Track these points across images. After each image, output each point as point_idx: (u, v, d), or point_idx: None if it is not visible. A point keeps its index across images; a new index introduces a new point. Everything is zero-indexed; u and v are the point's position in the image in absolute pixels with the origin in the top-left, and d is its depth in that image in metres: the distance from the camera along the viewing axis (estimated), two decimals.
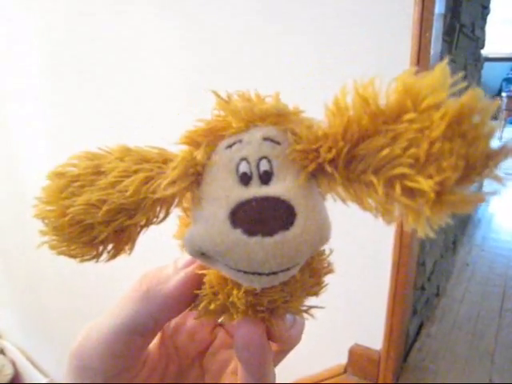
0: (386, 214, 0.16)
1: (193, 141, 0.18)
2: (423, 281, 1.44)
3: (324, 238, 0.17)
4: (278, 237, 0.15)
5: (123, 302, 0.20)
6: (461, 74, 0.15)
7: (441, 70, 0.15)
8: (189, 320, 0.24)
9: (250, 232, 0.15)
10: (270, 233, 0.15)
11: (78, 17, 1.46)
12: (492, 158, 0.15)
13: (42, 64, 1.64)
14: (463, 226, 2.32)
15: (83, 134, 1.57)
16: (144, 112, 1.40)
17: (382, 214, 0.16)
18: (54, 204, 0.18)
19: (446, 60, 0.15)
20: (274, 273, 0.16)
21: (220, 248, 0.16)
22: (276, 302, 0.19)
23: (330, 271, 0.20)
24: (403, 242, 1.16)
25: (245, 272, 0.16)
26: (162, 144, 0.19)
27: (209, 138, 0.18)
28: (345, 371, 1.33)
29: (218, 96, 0.18)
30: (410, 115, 0.15)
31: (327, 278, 0.21)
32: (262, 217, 0.15)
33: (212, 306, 0.19)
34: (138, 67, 1.39)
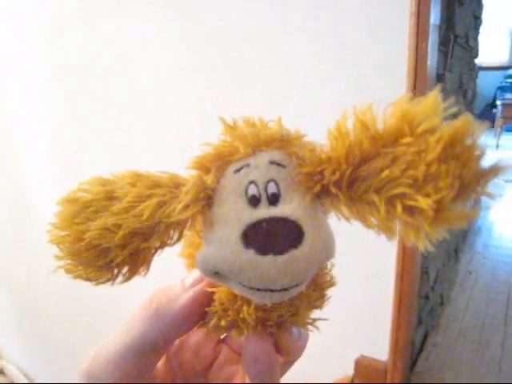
0: (388, 231, 0.17)
1: (202, 166, 0.19)
2: (427, 290, 1.44)
3: (330, 254, 0.18)
4: (289, 255, 0.16)
5: (133, 321, 0.20)
6: (452, 100, 0.16)
7: (434, 97, 0.16)
8: (192, 337, 0.24)
9: (263, 251, 0.16)
10: (281, 251, 0.16)
11: (77, 16, 1.47)
12: (484, 177, 0.16)
13: (42, 64, 1.65)
14: (464, 234, 2.33)
15: (83, 134, 1.58)
16: (144, 111, 1.41)
17: (383, 231, 0.17)
18: (69, 229, 0.18)
19: (439, 87, 0.16)
20: (285, 289, 0.17)
21: (234, 267, 0.17)
22: (284, 316, 0.19)
23: (333, 284, 0.21)
24: (406, 251, 1.16)
25: (258, 289, 0.17)
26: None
27: (217, 163, 0.18)
28: (351, 381, 1.32)
29: (225, 122, 0.19)
30: (408, 139, 0.16)
31: (331, 291, 0.21)
32: (273, 237, 0.16)
33: (222, 323, 0.20)
34: (138, 67, 1.40)
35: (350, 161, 0.17)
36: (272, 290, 0.17)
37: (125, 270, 0.19)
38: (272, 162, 0.18)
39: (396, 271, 1.18)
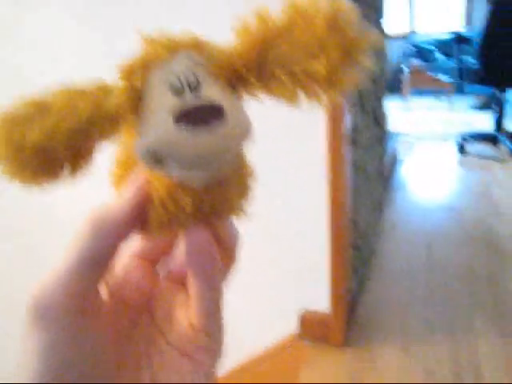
0: (293, 99, 0.21)
1: (129, 70, 0.20)
2: (358, 241, 1.52)
3: (247, 131, 0.21)
4: (215, 128, 0.19)
5: (76, 240, 0.20)
6: None
7: None
8: (132, 275, 0.25)
9: (192, 126, 0.19)
10: (208, 125, 0.19)
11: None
12: (361, 43, 0.20)
13: None
14: (384, 190, 2.48)
15: None
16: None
17: (289, 101, 0.21)
18: (8, 143, 0.19)
19: None
20: (216, 161, 0.20)
21: (170, 144, 0.19)
22: (217, 202, 0.22)
23: (253, 174, 0.24)
24: (336, 202, 1.21)
25: (193, 166, 0.19)
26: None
27: (143, 68, 0.20)
28: (297, 338, 1.37)
29: (143, 34, 0.21)
30: (300, 22, 0.20)
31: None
32: (199, 114, 0.19)
33: (164, 218, 0.21)
34: (67, 65, 1.30)
35: (256, 49, 0.21)
36: (205, 164, 0.20)
37: (68, 168, 0.20)
38: (190, 60, 0.20)
39: (328, 222, 1.23)
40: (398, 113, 4.45)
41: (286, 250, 1.31)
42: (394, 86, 4.76)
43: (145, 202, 0.21)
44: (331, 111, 1.15)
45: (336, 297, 1.32)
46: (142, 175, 0.21)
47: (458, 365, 1.26)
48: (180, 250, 0.25)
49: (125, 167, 0.23)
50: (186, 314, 0.24)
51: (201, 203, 0.21)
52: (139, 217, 0.21)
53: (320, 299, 1.33)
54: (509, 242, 1.97)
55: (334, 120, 1.16)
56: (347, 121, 1.24)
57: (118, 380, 0.22)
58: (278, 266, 1.34)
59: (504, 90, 3.31)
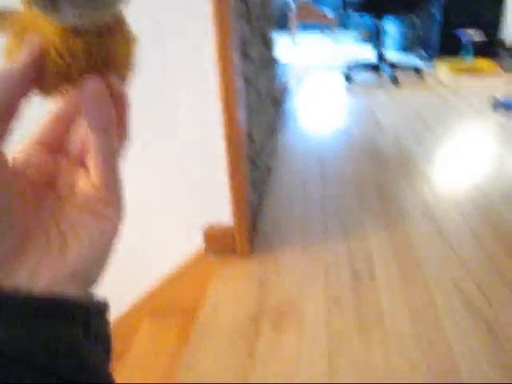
0: None
1: None
2: (255, 157, 1.55)
3: None
4: None
5: None
6: None
7: None
8: (33, 157, 0.27)
9: None
10: None
11: None
12: None
13: None
14: (277, 115, 2.55)
15: None
16: None
17: None
18: None
19: None
20: (101, 2, 0.21)
21: None
22: (108, 55, 0.23)
23: (135, 40, 0.25)
24: (229, 113, 1.21)
25: (80, 5, 0.20)
26: None
27: None
28: (204, 253, 1.39)
29: None
30: None
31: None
32: None
33: (60, 68, 0.22)
34: None
35: None
36: (91, 4, 0.21)
37: None
38: None
39: (223, 135, 1.23)
40: (287, 48, 4.52)
41: (182, 166, 1.29)
42: (282, 22, 4.79)
43: (41, 57, 0.22)
44: (219, 17, 1.12)
45: (238, 208, 1.34)
46: (37, 35, 0.22)
47: (353, 257, 1.38)
48: (77, 133, 0.27)
49: (20, 38, 0.24)
50: (87, 182, 0.26)
51: (92, 50, 0.23)
52: (37, 71, 0.22)
53: (222, 213, 1.35)
54: (390, 155, 2.16)
55: (221, 26, 1.13)
56: (235, 29, 1.22)
57: (28, 247, 0.23)
58: (176, 184, 1.32)
59: (381, 18, 3.50)
